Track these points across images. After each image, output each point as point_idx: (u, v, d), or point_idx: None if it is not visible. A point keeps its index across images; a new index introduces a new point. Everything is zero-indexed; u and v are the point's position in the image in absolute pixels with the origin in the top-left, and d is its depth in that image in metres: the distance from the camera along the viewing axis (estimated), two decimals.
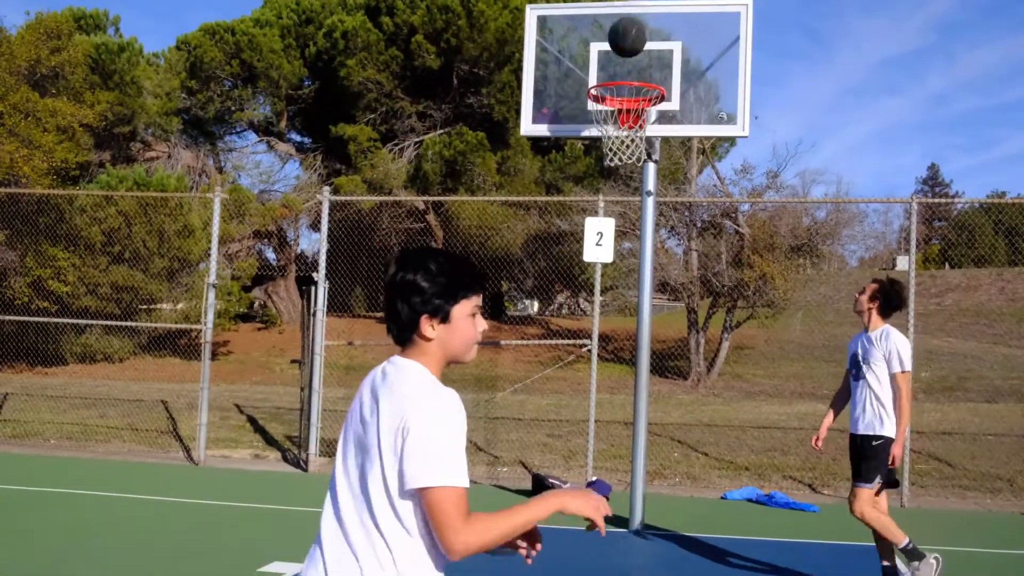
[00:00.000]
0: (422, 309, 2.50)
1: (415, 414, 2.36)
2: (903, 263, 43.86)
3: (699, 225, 24.74)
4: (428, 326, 2.51)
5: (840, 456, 13.01)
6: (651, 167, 8.59)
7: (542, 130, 8.74)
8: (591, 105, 8.22)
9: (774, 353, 26.49)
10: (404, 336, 2.55)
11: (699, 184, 26.61)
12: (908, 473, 10.70)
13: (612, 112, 8.09)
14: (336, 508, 2.49)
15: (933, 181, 78.27)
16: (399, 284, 2.50)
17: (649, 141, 8.36)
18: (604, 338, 22.06)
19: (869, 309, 7.03)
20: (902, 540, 6.67)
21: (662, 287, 25.76)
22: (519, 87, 28.95)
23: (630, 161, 8.11)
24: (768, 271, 22.74)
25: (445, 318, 2.53)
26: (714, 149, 27.75)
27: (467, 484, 2.36)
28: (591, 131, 8.40)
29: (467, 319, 2.56)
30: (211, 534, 8.19)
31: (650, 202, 8.68)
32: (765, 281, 22.91)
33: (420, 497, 2.34)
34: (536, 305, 41.20)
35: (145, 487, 10.23)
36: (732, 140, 29.44)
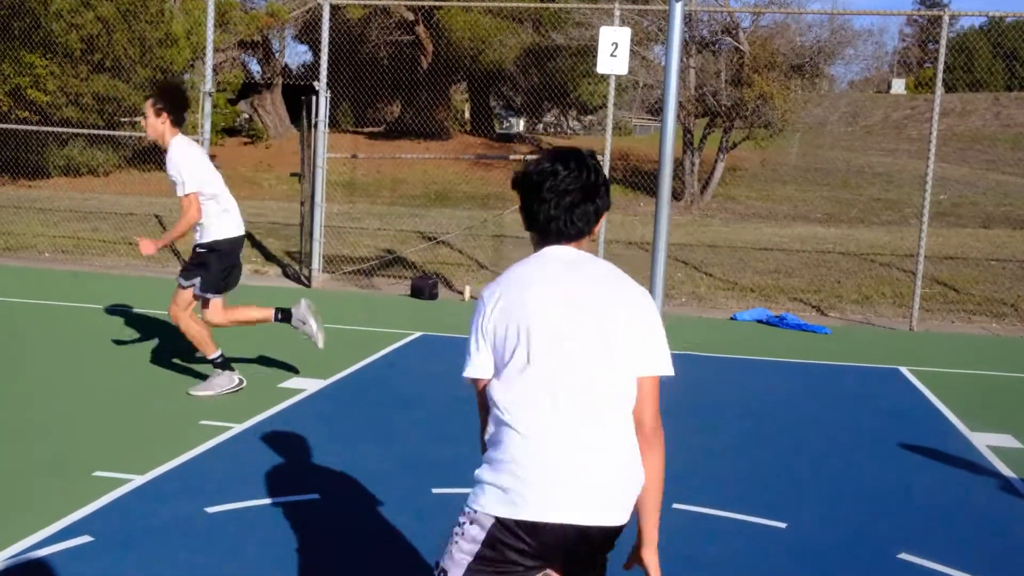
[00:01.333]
0: (604, 207, 2.60)
1: (648, 307, 2.54)
2: (898, 85, 43.23)
3: (698, 41, 24.04)
4: (598, 224, 2.63)
5: (844, 278, 13.01)
6: None
7: None
8: None
9: (768, 175, 26.27)
10: (584, 233, 2.58)
11: None
12: (918, 297, 10.66)
13: None
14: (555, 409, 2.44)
15: (931, 1, 76.38)
16: (595, 185, 2.56)
17: None
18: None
19: (162, 126, 6.40)
20: (212, 353, 6.51)
21: (654, 106, 25.25)
22: None
23: None
24: (767, 90, 22.25)
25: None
26: None
27: (672, 373, 2.57)
28: None
29: None
30: (224, 349, 8.05)
31: (678, 7, 8.17)
32: (764, 101, 22.46)
33: (647, 381, 2.50)
34: (522, 123, 40.55)
35: (149, 301, 10.05)
36: None
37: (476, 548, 2.44)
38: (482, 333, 2.49)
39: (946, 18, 11.08)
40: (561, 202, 2.51)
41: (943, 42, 10.94)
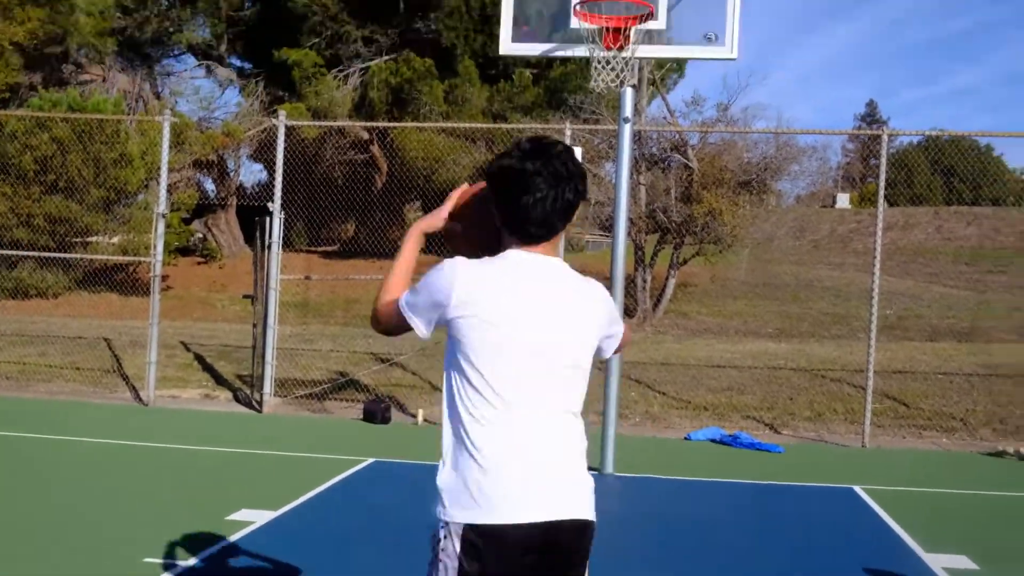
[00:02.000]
0: (583, 193, 2.61)
1: (608, 300, 2.70)
2: (843, 200, 44.30)
3: (648, 158, 24.55)
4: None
5: (796, 395, 13.10)
6: (629, 92, 8.31)
7: (521, 49, 8.38)
8: (574, 23, 7.89)
9: (718, 291, 26.58)
10: (559, 231, 2.58)
11: (649, 116, 26.36)
12: (869, 413, 10.74)
13: (598, 31, 7.79)
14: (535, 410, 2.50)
15: (871, 118, 78.93)
16: (576, 175, 2.54)
17: (630, 64, 8.07)
18: None
19: None
20: None
21: (605, 222, 25.63)
22: (468, 12, 28.28)
23: (614, 85, 7.83)
24: (716, 206, 22.67)
25: None
26: (663, 81, 27.46)
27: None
28: (575, 50, 8.08)
29: None
30: (172, 478, 7.91)
31: (627, 129, 8.41)
32: (713, 217, 22.86)
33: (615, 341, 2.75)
34: None
35: (95, 429, 9.89)
36: (681, 71, 29.21)
37: (458, 562, 2.40)
38: (437, 301, 2.53)
39: (885, 137, 11.40)
40: (544, 201, 2.50)
41: (883, 159, 11.27)
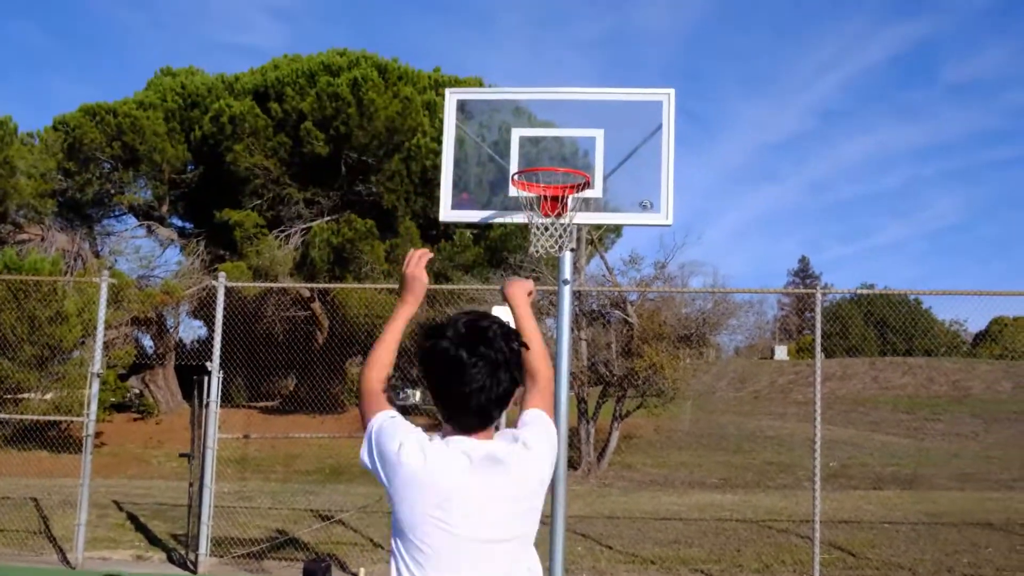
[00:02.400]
0: (520, 379, 2.57)
1: (544, 452, 2.65)
2: (781, 351, 44.98)
3: (588, 314, 24.81)
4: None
5: (743, 547, 12.95)
6: (568, 256, 8.45)
7: (461, 216, 8.53)
8: (512, 191, 8.06)
9: (663, 442, 26.58)
10: (497, 415, 2.53)
11: (588, 274, 26.78)
12: (817, 564, 10.63)
13: (536, 199, 7.96)
14: None
15: (804, 273, 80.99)
16: (513, 361, 2.49)
17: (569, 230, 8.23)
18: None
19: None
20: None
21: None
22: (408, 175, 28.94)
23: (553, 251, 7.96)
24: (657, 360, 22.87)
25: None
26: (601, 240, 28.04)
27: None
28: (514, 217, 8.23)
29: None
30: None
31: (567, 291, 8.51)
32: (655, 370, 23.02)
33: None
34: (418, 394, 40.68)
35: None
36: (619, 231, 29.85)
37: None
38: (383, 463, 2.53)
39: (819, 295, 11.65)
40: (481, 388, 2.47)
41: (818, 314, 11.48)
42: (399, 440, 2.47)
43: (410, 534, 2.42)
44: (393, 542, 2.51)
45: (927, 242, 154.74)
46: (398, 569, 2.46)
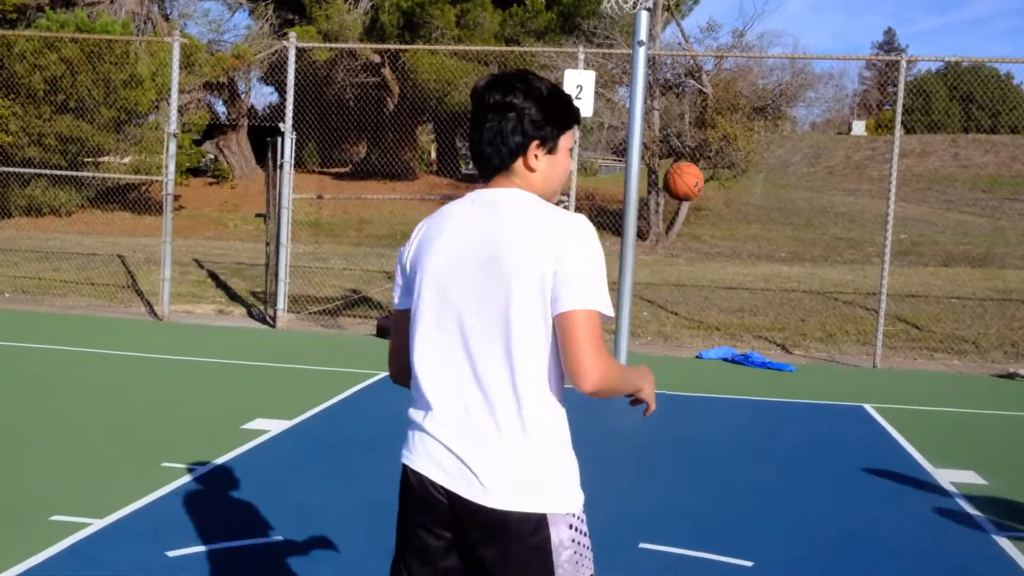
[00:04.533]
0: (535, 134, 2.27)
1: (567, 241, 2.17)
2: (858, 127, 43.90)
3: (662, 84, 24.32)
4: (534, 155, 2.29)
5: (808, 316, 13.12)
6: (644, 15, 8.22)
7: None
8: None
9: (732, 215, 26.51)
10: (504, 165, 2.29)
11: (663, 42, 26.05)
12: (880, 335, 10.75)
13: None
14: (439, 361, 2.25)
15: (888, 46, 77.84)
16: (508, 106, 2.25)
17: None
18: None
19: None
20: None
21: (619, 147, 25.48)
22: None
23: (627, 7, 7.73)
24: (731, 132, 22.52)
25: (553, 148, 2.32)
26: (678, 6, 27.09)
27: (612, 314, 2.20)
28: None
29: (567, 152, 2.36)
30: (187, 390, 7.99)
31: (641, 52, 8.34)
32: (728, 142, 22.72)
33: (567, 322, 2.12)
34: None
35: (112, 342, 9.96)
36: None
37: (399, 502, 2.36)
38: (401, 267, 2.38)
39: (903, 63, 11.27)
40: (480, 135, 2.29)
41: (901, 86, 11.12)
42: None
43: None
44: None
45: (1019, 17, 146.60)
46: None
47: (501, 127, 2.26)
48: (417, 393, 2.30)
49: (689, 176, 6.77)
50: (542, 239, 2.17)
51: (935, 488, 6.03)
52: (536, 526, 2.16)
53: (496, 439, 2.16)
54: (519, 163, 2.29)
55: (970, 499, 5.77)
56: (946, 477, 6.23)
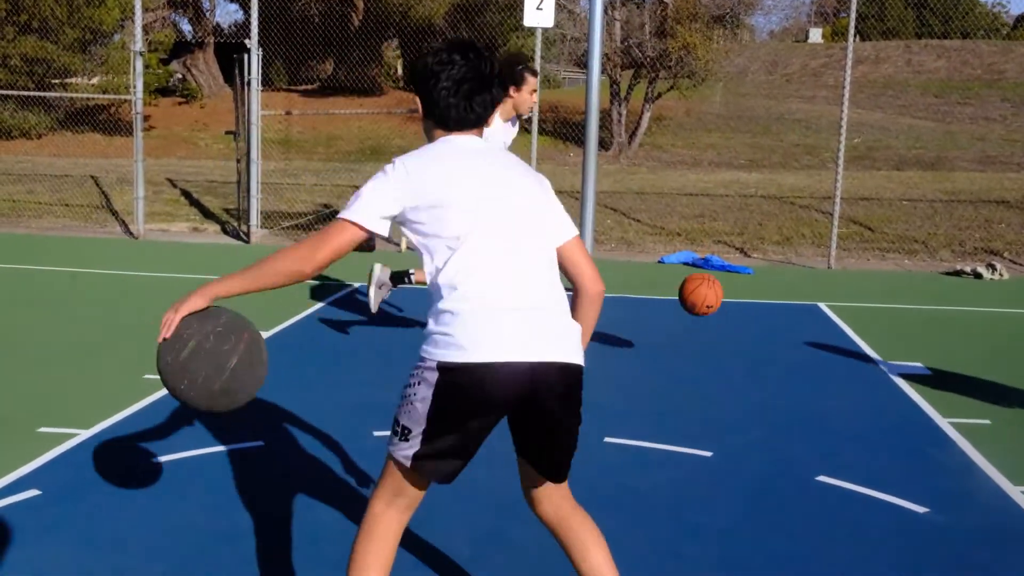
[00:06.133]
0: (499, 98, 2.85)
1: (548, 186, 2.85)
2: (815, 35, 44.03)
3: None
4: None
5: (766, 221, 13.60)
6: None
7: None
8: None
9: (692, 124, 26.82)
10: (482, 120, 2.80)
11: None
12: (835, 237, 11.23)
13: None
14: (506, 266, 2.60)
15: None
16: (490, 75, 2.72)
17: None
18: None
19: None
20: None
21: (581, 58, 25.58)
22: None
23: None
24: (690, 41, 22.73)
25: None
26: None
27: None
28: None
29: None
30: (166, 305, 8.26)
31: None
32: (687, 51, 22.94)
33: (577, 243, 2.81)
34: None
35: (89, 260, 10.25)
36: None
37: (430, 400, 2.48)
38: (385, 197, 2.56)
39: None
40: (459, 90, 2.65)
41: None
42: (393, 167, 2.73)
43: (436, 236, 2.71)
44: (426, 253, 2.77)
45: None
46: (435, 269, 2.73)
47: (484, 92, 2.71)
48: (488, 295, 2.53)
49: (712, 294, 6.61)
50: (539, 182, 2.80)
51: (884, 379, 6.39)
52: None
53: (563, 315, 2.65)
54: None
55: (917, 388, 6.14)
56: (895, 369, 6.60)
